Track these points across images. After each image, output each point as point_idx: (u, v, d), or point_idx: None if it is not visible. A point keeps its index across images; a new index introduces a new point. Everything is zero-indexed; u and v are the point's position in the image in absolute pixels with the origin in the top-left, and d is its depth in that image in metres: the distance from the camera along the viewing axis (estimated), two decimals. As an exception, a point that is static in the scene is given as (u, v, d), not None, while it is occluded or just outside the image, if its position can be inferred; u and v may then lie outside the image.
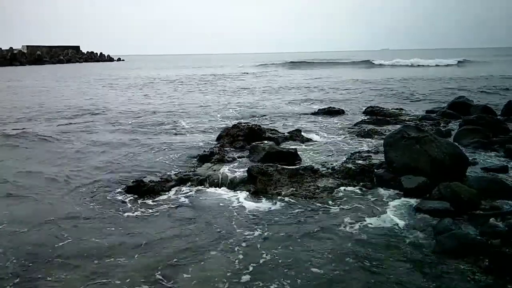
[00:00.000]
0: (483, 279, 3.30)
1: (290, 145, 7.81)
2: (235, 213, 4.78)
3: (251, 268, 3.54)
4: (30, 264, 3.67)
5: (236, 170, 6.37)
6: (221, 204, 5.07)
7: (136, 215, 4.79)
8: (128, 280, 3.40)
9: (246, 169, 6.05)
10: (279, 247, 3.90)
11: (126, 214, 4.81)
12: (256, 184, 5.66)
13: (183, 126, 10.52)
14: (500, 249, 3.48)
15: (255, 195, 5.34)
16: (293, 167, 6.26)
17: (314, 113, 12.29)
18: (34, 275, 3.49)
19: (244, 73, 34.62)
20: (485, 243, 3.74)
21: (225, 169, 6.43)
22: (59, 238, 4.19)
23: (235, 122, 9.53)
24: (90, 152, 7.78)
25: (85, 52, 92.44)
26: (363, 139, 8.51)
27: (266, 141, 7.37)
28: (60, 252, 3.89)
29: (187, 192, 5.49)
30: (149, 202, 5.19)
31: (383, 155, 6.34)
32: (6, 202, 5.22)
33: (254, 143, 7.28)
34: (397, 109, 12.48)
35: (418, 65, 39.28)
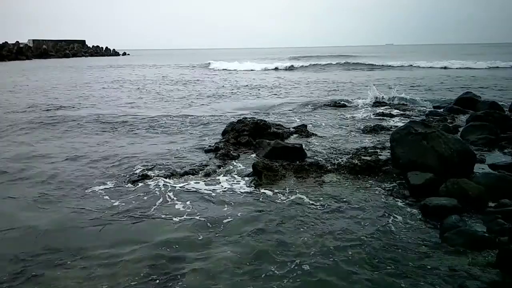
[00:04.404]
0: (490, 276, 3.26)
1: (295, 141, 7.79)
2: (239, 207, 4.76)
3: (253, 263, 3.54)
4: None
5: (241, 165, 6.37)
6: (225, 199, 5.05)
7: (140, 206, 4.79)
8: (132, 274, 3.41)
9: (251, 164, 6.03)
10: (281, 242, 3.89)
11: (129, 206, 4.82)
12: (261, 179, 5.65)
13: (188, 120, 10.50)
14: (508, 246, 3.44)
15: (260, 189, 5.32)
16: (299, 162, 6.24)
17: (319, 108, 12.23)
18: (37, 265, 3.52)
19: (250, 70, 34.34)
20: (493, 240, 3.71)
21: (230, 164, 6.43)
22: (59, 229, 4.23)
23: (240, 117, 9.51)
24: (94, 147, 7.81)
25: (91, 46, 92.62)
26: (369, 134, 8.46)
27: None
28: (62, 243, 3.91)
29: (192, 186, 5.48)
30: (151, 195, 5.19)
31: (390, 151, 6.31)
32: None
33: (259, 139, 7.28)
34: (403, 104, 12.40)
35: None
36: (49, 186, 5.58)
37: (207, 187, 5.45)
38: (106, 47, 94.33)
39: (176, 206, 4.84)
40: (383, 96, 13.20)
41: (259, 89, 18.42)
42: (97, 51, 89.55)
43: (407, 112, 11.02)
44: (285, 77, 25.10)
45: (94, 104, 13.81)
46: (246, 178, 5.76)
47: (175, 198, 5.09)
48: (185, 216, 4.55)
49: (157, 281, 3.31)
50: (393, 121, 9.89)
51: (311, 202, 4.89)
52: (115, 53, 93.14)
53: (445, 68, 29.78)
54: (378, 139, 7.97)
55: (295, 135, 8.37)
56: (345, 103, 12.82)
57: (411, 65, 32.15)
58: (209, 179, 5.77)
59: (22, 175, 6.03)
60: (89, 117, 11.01)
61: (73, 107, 13.02)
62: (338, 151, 7.11)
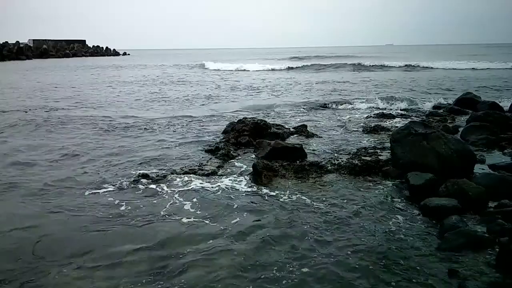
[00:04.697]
0: (490, 276, 3.27)
1: (295, 141, 7.79)
2: (239, 208, 4.76)
3: (254, 264, 3.54)
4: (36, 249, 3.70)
5: (241, 165, 6.37)
6: (225, 199, 5.05)
7: (140, 207, 4.79)
8: (133, 272, 3.41)
9: (252, 164, 6.04)
10: (282, 242, 3.89)
11: (129, 206, 4.82)
12: (261, 180, 5.66)
13: (188, 120, 10.50)
14: (508, 247, 3.44)
15: (260, 190, 5.32)
16: (299, 162, 6.24)
17: (319, 108, 12.24)
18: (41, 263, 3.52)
19: (250, 70, 34.17)
20: (492, 241, 3.71)
21: (230, 164, 6.44)
22: (61, 230, 4.22)
23: (241, 117, 9.51)
24: (95, 145, 7.81)
25: (91, 46, 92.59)
26: (370, 134, 8.47)
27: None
28: (63, 244, 3.91)
29: (192, 186, 5.47)
30: (152, 194, 5.19)
31: (390, 151, 6.31)
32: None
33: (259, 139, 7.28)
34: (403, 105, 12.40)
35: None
36: (48, 188, 5.53)
37: (207, 188, 5.44)
38: (107, 47, 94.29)
39: (176, 206, 4.84)
40: (382, 98, 13.22)
41: (259, 89, 18.42)
42: (97, 51, 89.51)
43: (407, 113, 11.03)
44: (285, 78, 25.12)
45: (93, 105, 13.76)
46: (246, 178, 5.76)
47: (174, 198, 5.08)
48: (185, 216, 4.55)
49: (162, 279, 3.31)
50: (393, 121, 9.90)
51: (311, 202, 4.88)
52: (115, 53, 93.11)
53: (445, 68, 29.76)
54: (378, 139, 7.98)
55: (295, 135, 8.38)
56: (345, 103, 12.83)
57: (412, 66, 32.12)
58: (209, 179, 5.76)
59: (20, 178, 5.96)
60: (87, 118, 10.99)
61: (72, 108, 13.02)
62: (338, 151, 7.12)
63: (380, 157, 6.47)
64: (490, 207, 4.53)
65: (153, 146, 7.73)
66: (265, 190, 5.30)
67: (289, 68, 33.59)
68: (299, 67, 34.25)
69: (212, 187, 5.46)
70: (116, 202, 4.98)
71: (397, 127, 7.86)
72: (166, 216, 4.57)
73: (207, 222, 4.40)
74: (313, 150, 7.21)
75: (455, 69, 29.33)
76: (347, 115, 11.04)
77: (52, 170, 6.29)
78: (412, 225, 4.23)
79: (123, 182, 5.66)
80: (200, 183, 5.58)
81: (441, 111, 10.91)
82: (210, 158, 6.75)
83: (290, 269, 3.44)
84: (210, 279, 3.31)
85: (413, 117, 10.20)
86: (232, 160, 6.64)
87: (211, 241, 3.96)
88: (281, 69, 33.15)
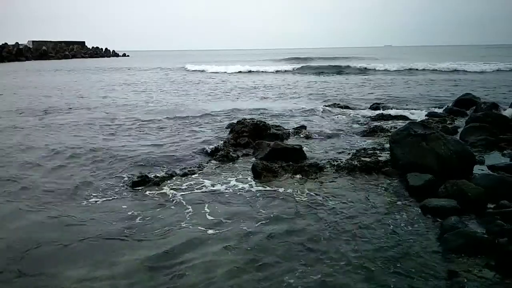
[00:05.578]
0: (489, 277, 3.27)
1: (295, 142, 7.79)
2: (238, 208, 4.76)
3: (252, 261, 3.54)
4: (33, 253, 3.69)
5: (241, 166, 6.37)
6: (224, 200, 5.05)
7: (140, 208, 4.79)
8: (131, 272, 3.41)
9: (251, 165, 6.04)
10: (280, 243, 3.89)
11: (129, 207, 4.81)
12: (261, 181, 5.66)
13: (187, 122, 10.50)
14: (507, 248, 3.45)
15: (260, 191, 5.32)
16: (298, 163, 6.24)
17: (319, 109, 12.23)
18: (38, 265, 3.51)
19: (249, 71, 34.12)
20: (492, 242, 3.71)
21: (229, 165, 6.44)
22: (62, 229, 4.22)
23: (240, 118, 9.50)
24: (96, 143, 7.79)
25: (90, 48, 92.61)
26: (369, 135, 8.47)
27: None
28: (64, 242, 3.92)
29: (191, 187, 5.47)
30: (153, 196, 5.19)
31: (389, 152, 6.32)
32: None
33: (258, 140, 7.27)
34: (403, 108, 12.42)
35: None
36: (47, 193, 5.50)
37: (206, 189, 5.44)
38: (106, 48, 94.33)
39: (175, 208, 4.83)
40: (381, 100, 13.24)
41: (258, 91, 18.44)
42: (97, 52, 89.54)
43: (406, 114, 11.02)
44: (284, 79, 25.14)
45: (89, 107, 13.62)
46: (246, 180, 5.75)
47: (173, 200, 5.08)
48: (184, 217, 4.55)
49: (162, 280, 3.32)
50: (392, 122, 9.89)
51: (310, 203, 4.88)
52: (114, 54, 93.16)
53: (443, 70, 29.82)
54: (377, 140, 7.98)
55: (294, 136, 8.39)
56: (344, 105, 12.85)
57: (411, 68, 32.09)
58: (208, 180, 5.76)
59: (17, 183, 5.76)
60: (83, 120, 10.94)
61: (71, 110, 13.01)
62: (337, 152, 7.12)
63: (380, 158, 6.46)
64: (489, 208, 4.53)
65: (150, 148, 7.68)
66: (264, 191, 5.29)
67: (288, 70, 33.61)
68: (297, 68, 34.26)
69: (211, 188, 5.46)
70: (114, 202, 4.97)
71: (396, 128, 7.87)
72: (164, 218, 4.56)
73: (204, 224, 4.39)
74: (313, 151, 7.21)
75: (453, 70, 29.42)
76: (346, 116, 11.05)
77: (51, 172, 6.27)
78: (412, 226, 4.23)
79: (121, 187, 5.62)
80: (199, 185, 5.58)
81: (441, 112, 10.92)
82: (210, 160, 6.75)
83: (289, 270, 3.44)
84: (208, 279, 3.32)
85: (412, 118, 10.20)
86: (231, 162, 6.63)
87: (209, 243, 3.94)
88: (281, 71, 33.14)
